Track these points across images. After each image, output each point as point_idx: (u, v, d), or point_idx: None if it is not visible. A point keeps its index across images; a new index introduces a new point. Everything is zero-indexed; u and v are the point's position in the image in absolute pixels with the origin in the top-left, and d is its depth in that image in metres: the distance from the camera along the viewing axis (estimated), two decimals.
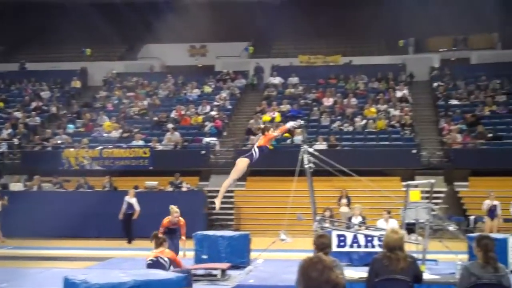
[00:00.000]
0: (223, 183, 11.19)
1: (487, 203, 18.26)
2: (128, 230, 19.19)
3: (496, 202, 18.22)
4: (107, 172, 22.68)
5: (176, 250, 12.12)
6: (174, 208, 13.01)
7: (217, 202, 11.10)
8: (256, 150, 10.92)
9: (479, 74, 29.61)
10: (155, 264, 9.36)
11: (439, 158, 23.17)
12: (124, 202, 19.20)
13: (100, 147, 23.86)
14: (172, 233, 12.73)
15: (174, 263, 9.66)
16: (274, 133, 11.19)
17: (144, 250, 16.56)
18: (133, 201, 19.16)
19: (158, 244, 9.81)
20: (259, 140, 11.04)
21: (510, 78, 28.37)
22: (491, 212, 18.16)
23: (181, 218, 12.98)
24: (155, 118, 27.11)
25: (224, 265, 12.15)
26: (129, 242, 19.05)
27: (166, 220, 12.93)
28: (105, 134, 25.87)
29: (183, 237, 12.86)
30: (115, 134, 25.75)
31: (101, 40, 36.03)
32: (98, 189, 22.02)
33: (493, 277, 5.67)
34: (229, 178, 11.06)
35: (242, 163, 10.98)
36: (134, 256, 15.10)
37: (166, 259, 9.50)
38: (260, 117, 26.07)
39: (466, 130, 24.08)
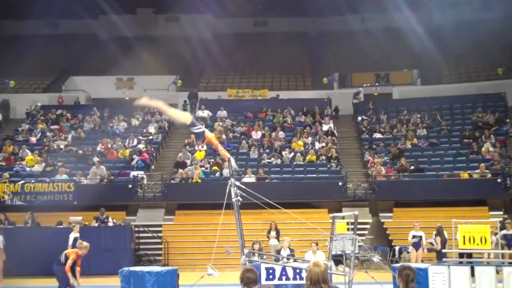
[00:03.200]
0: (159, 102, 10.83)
1: (412, 233, 18.76)
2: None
3: (421, 233, 18.75)
4: (29, 208, 21.86)
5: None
6: (85, 244, 13.46)
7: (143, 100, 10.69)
8: (202, 127, 10.71)
9: (401, 108, 30.76)
10: None
11: (364, 190, 23.71)
12: (69, 239, 18.46)
13: (22, 182, 23.02)
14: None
15: None
16: (218, 145, 10.93)
17: None
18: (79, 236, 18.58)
19: None
20: (213, 137, 10.67)
21: (430, 112, 29.60)
22: (416, 243, 18.65)
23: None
24: (80, 152, 26.50)
25: None
26: None
27: (75, 255, 13.26)
28: (27, 168, 25.04)
29: (79, 268, 13.40)
30: (38, 168, 24.96)
31: (24, 72, 35.17)
32: (20, 225, 21.17)
33: None
34: (166, 107, 10.78)
35: (184, 116, 10.77)
36: None
37: None
38: (188, 150, 26.03)
39: (389, 162, 24.83)
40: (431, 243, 18.41)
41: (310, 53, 40.07)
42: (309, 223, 15.14)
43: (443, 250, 17.37)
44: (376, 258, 14.92)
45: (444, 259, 14.15)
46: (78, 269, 13.37)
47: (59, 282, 13.54)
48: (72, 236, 18.57)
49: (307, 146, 26.59)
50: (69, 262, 13.04)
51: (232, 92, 34.18)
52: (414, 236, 18.60)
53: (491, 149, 25.16)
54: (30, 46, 35.35)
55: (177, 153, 26.39)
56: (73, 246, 18.36)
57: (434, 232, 18.74)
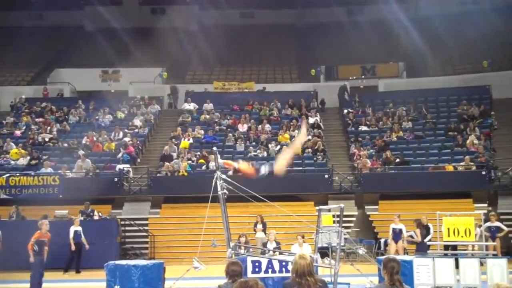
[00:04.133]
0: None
1: (392, 226, 18.87)
2: (78, 260, 18.68)
3: (401, 225, 18.84)
4: (14, 201, 21.71)
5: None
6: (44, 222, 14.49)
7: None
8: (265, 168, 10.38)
9: (387, 101, 30.87)
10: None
11: (350, 183, 23.79)
12: (70, 232, 18.47)
13: (7, 175, 22.83)
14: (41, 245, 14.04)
15: None
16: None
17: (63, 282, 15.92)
18: (80, 229, 18.58)
19: None
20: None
21: (415, 105, 29.73)
22: (396, 235, 18.75)
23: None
24: (65, 145, 26.33)
25: None
26: (78, 272, 18.58)
27: (37, 234, 14.13)
28: (12, 162, 24.84)
29: (47, 247, 14.28)
30: (23, 161, 24.77)
31: (9, 64, 34.82)
32: (5, 219, 21.00)
33: None
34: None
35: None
36: None
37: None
38: (174, 143, 25.96)
39: (375, 155, 24.93)
40: (411, 236, 18.58)
41: (297, 45, 40.05)
42: (295, 216, 15.20)
43: (428, 243, 17.52)
44: (361, 251, 15.02)
45: (428, 251, 14.26)
46: (46, 248, 14.15)
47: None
48: (73, 229, 18.55)
49: (293, 139, 26.59)
50: (31, 240, 13.89)
51: (219, 84, 34.10)
52: (394, 229, 18.72)
53: (476, 141, 25.33)
54: (14, 38, 35.03)
55: (163, 146, 26.32)
56: (74, 239, 18.38)
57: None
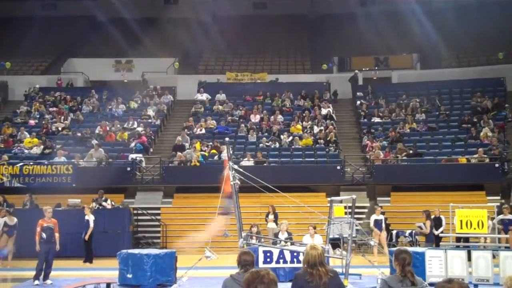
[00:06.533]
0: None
1: (374, 217, 18.79)
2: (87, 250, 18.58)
3: (381, 217, 18.74)
4: (27, 190, 21.89)
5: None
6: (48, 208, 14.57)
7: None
8: (226, 201, 11.06)
9: (400, 92, 30.71)
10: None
11: (362, 174, 23.74)
12: (85, 221, 18.33)
13: (21, 164, 23.04)
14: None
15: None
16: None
17: (66, 270, 16.07)
18: (90, 218, 18.42)
19: None
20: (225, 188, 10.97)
21: (429, 96, 29.55)
22: (378, 226, 18.67)
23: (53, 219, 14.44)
24: (79, 134, 26.49)
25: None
26: (90, 262, 18.35)
27: (40, 222, 14.21)
28: (26, 150, 25.03)
29: (57, 234, 14.33)
30: (36, 150, 24.95)
31: (23, 54, 35.02)
32: (18, 207, 21.19)
33: None
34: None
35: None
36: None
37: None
38: (187, 133, 26.01)
39: (388, 147, 24.85)
40: (419, 227, 18.58)
41: (310, 36, 39.90)
42: (307, 206, 15.20)
43: (441, 234, 17.51)
44: (373, 242, 15.04)
45: (441, 243, 14.24)
46: (57, 235, 14.23)
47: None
48: (87, 218, 18.46)
49: (305, 130, 26.58)
50: (37, 229, 14.05)
51: (231, 75, 34.09)
52: (376, 220, 18.64)
53: (490, 134, 25.15)
54: (28, 28, 35.17)
55: (175, 136, 26.39)
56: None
57: (433, 217, 18.81)
